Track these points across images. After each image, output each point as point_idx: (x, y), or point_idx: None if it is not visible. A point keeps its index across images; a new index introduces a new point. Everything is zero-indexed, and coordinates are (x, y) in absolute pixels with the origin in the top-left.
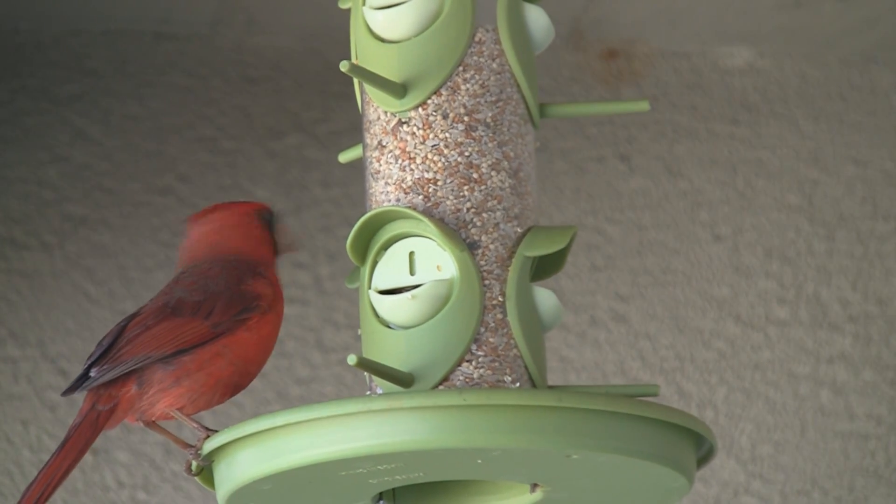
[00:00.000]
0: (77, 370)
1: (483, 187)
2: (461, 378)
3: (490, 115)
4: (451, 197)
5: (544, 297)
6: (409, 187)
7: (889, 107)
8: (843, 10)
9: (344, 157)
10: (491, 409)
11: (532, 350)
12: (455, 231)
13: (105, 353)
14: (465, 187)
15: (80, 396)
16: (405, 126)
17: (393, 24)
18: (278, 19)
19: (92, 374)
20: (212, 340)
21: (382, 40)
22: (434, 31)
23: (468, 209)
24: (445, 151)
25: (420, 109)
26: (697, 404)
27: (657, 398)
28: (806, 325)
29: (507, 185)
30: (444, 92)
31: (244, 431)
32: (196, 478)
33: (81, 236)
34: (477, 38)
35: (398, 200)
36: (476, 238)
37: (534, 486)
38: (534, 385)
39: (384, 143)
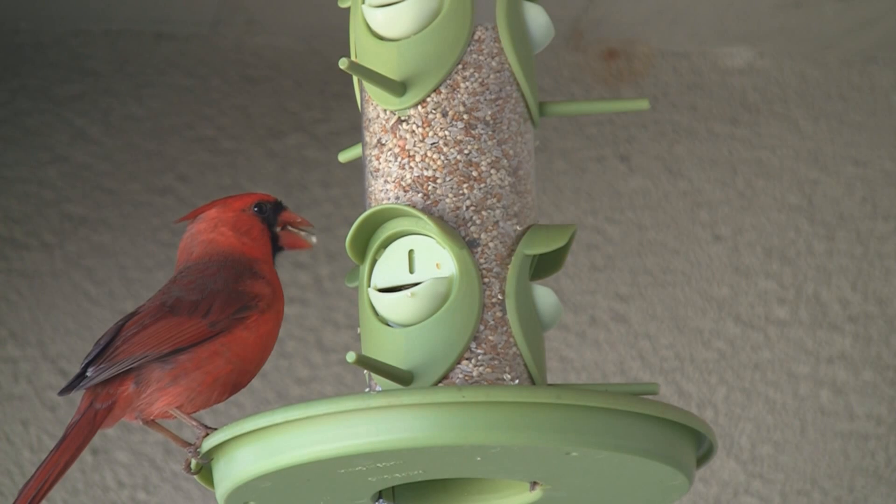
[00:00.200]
0: (77, 370)
1: (482, 185)
2: (460, 376)
3: (489, 113)
4: (450, 195)
5: (544, 295)
6: (409, 185)
7: (889, 107)
8: (843, 10)
9: (344, 157)
10: (490, 406)
11: (531, 348)
12: (454, 229)
13: (102, 352)
14: (465, 185)
15: (78, 396)
16: (404, 124)
17: (392, 22)
18: (278, 19)
19: (89, 373)
20: (210, 339)
21: (382, 38)
22: (433, 29)
23: (467, 207)
24: (445, 149)
25: (419, 107)
26: (697, 404)
27: (657, 397)
28: (806, 325)
29: (506, 183)
30: (443, 90)
31: (243, 429)
32: (195, 476)
33: (81, 236)
34: (476, 37)
35: (397, 198)
36: (475, 236)
37: (533, 485)
38: (533, 383)
39: (383, 142)
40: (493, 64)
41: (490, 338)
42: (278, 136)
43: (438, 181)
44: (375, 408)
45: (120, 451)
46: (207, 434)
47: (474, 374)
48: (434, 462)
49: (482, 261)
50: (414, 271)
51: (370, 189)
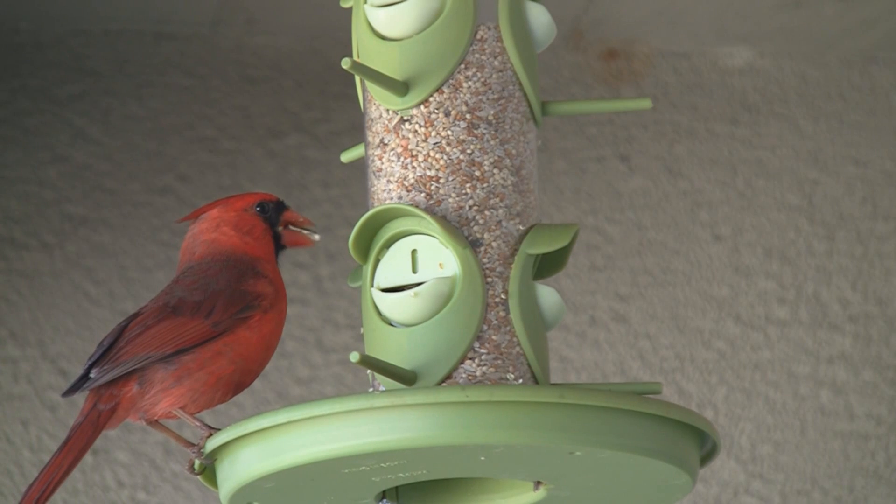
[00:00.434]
0: (77, 370)
1: (485, 185)
2: (464, 376)
3: (492, 112)
4: (453, 194)
5: (546, 294)
6: (412, 185)
7: (889, 107)
8: (843, 10)
9: (346, 157)
10: (493, 405)
11: (535, 347)
12: (457, 229)
13: (105, 354)
14: (468, 185)
15: (80, 396)
16: (407, 124)
17: (394, 21)
18: (278, 19)
19: (92, 374)
20: (213, 339)
21: (384, 38)
22: (436, 28)
23: (470, 207)
24: (447, 149)
25: (422, 107)
26: (697, 404)
27: (659, 397)
28: (806, 325)
29: (509, 182)
30: (445, 89)
31: (246, 429)
32: (199, 477)
33: (81, 236)
34: (479, 36)
35: (400, 198)
36: (478, 236)
37: (537, 484)
38: (537, 382)
39: (386, 141)
40: (496, 63)
41: (493, 337)
42: (278, 136)
43: (441, 181)
44: (379, 408)
45: (120, 451)
46: (210, 434)
47: (478, 373)
48: (438, 462)
49: (485, 260)
50: (417, 271)
51: (373, 189)
